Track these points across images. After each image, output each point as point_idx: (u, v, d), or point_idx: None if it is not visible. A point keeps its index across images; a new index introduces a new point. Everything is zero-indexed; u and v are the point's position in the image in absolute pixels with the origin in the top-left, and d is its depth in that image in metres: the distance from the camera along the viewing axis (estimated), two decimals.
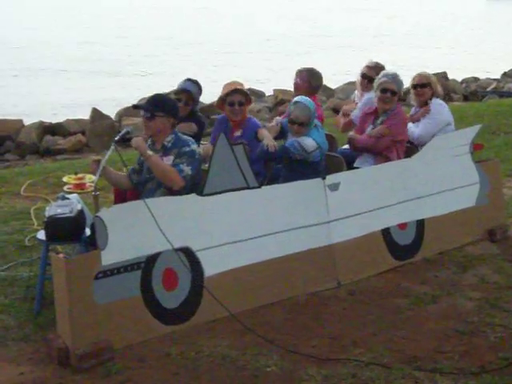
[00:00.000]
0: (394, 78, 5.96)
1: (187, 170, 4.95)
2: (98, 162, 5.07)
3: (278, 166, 5.80)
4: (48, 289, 4.96)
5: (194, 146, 5.08)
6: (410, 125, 6.28)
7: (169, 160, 5.00)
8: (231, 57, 29.79)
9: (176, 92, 6.12)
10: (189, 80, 6.18)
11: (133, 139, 5.02)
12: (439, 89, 6.48)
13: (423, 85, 6.39)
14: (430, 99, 6.41)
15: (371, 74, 6.58)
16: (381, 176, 5.64)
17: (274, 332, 4.65)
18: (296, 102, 5.54)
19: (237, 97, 5.70)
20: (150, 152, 4.93)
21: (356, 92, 7.15)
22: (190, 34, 36.36)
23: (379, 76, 6.09)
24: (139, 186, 5.21)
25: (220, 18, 45.64)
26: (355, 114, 6.59)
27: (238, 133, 5.72)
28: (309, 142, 5.39)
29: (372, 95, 6.25)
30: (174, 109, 5.12)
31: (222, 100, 5.75)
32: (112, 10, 48.48)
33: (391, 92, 5.92)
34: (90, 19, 41.71)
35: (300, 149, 5.36)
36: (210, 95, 10.54)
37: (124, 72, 25.72)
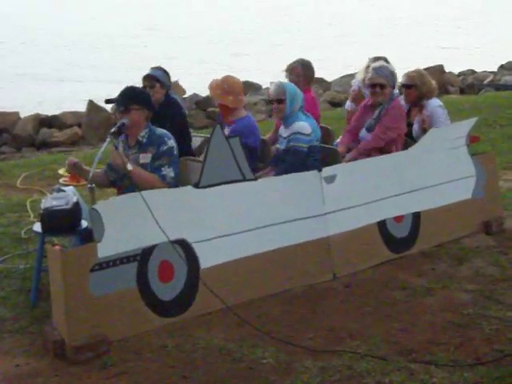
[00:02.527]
0: (381, 70, 5.92)
1: (169, 172, 4.91)
2: (74, 164, 5.06)
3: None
4: (44, 281, 4.96)
5: (171, 142, 5.00)
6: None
7: (145, 158, 4.95)
8: (228, 49, 29.74)
9: (142, 79, 6.08)
10: (153, 67, 6.20)
11: (110, 154, 4.93)
12: (432, 87, 6.28)
13: (407, 86, 6.28)
14: (420, 99, 6.28)
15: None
16: (377, 168, 5.64)
17: (270, 324, 4.65)
18: (272, 83, 5.64)
19: (215, 101, 5.93)
20: (129, 167, 4.77)
21: (354, 81, 7.04)
22: (186, 25, 36.30)
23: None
24: (117, 182, 5.19)
25: (218, 8, 45.56)
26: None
27: (226, 130, 5.66)
28: (303, 125, 5.40)
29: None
30: (149, 100, 5.07)
31: None
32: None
33: (380, 86, 5.90)
34: (89, 14, 41.66)
35: (303, 136, 5.36)
36: (206, 88, 10.47)
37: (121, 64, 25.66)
